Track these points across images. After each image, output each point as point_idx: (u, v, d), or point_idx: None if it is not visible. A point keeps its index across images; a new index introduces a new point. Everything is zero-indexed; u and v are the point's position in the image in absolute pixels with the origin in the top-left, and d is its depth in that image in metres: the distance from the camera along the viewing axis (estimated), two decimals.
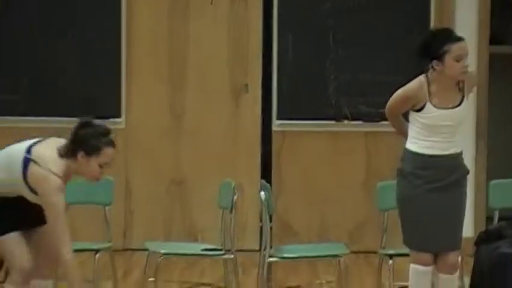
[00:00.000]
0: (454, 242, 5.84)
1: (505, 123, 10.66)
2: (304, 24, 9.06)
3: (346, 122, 9.03)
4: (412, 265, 5.82)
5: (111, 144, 5.46)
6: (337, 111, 9.03)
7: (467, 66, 5.71)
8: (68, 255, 5.32)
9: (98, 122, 5.49)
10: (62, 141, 5.47)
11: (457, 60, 5.64)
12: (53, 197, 5.37)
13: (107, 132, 5.48)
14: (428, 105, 5.68)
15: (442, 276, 5.83)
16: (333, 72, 9.04)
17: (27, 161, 5.40)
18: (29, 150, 5.45)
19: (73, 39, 8.98)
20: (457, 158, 5.80)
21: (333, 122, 9.07)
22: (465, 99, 5.77)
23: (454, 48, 5.64)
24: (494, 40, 9.24)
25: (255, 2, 9.05)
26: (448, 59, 5.62)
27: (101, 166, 5.45)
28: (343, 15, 9.01)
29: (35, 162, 5.38)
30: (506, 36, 10.44)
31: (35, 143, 5.49)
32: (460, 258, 6.04)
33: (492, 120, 9.32)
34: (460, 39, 5.71)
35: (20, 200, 5.50)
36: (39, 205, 5.52)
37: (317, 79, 9.06)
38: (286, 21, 9.04)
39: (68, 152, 5.42)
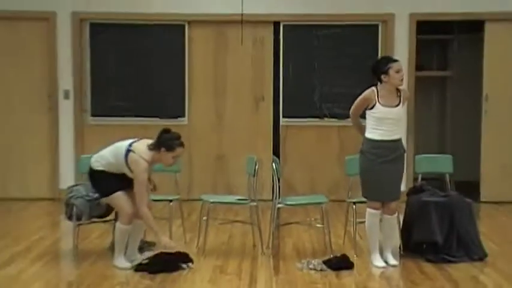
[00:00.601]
0: (395, 195, 5.84)
1: (426, 123, 10.68)
2: (299, 57, 9.06)
3: (326, 119, 9.05)
4: (367, 209, 5.85)
5: (182, 145, 5.65)
6: (320, 112, 9.07)
7: (402, 78, 5.76)
8: (144, 209, 5.50)
9: (173, 131, 5.68)
10: (150, 141, 5.64)
11: (397, 72, 5.72)
12: (140, 174, 5.53)
13: (179, 137, 5.66)
14: (377, 104, 5.69)
15: (386, 216, 5.85)
16: (317, 87, 9.07)
17: (128, 151, 5.58)
18: (130, 145, 5.63)
19: (156, 67, 9.10)
20: (397, 142, 5.78)
21: (317, 119, 9.09)
22: (401, 103, 5.76)
23: (394, 65, 5.71)
24: (418, 67, 9.29)
25: (268, 44, 9.09)
26: (392, 72, 5.68)
27: (174, 158, 5.64)
28: (324, 51, 9.03)
29: (133, 151, 5.56)
30: (427, 64, 10.46)
31: (134, 141, 5.67)
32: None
33: (418, 118, 9.39)
34: (396, 60, 5.78)
35: (123, 175, 5.68)
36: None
37: (307, 91, 9.08)
38: (288, 55, 9.07)
39: (154, 147, 5.59)
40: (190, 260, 5.72)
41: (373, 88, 5.79)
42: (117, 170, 5.66)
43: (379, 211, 5.84)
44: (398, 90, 5.78)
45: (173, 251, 5.69)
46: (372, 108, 5.73)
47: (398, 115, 5.77)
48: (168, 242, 5.69)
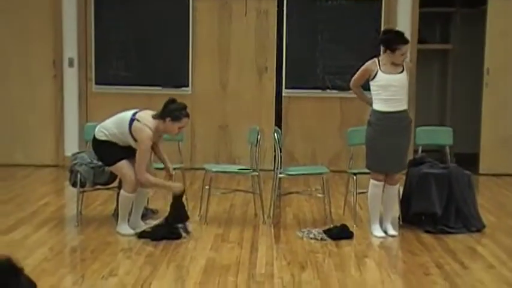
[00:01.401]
0: (399, 166, 5.85)
1: (427, 93, 10.67)
2: (303, 29, 8.99)
3: (328, 90, 9.00)
4: (371, 180, 5.84)
5: (187, 115, 5.63)
6: (322, 83, 9.01)
7: (406, 57, 5.72)
8: (143, 177, 5.50)
9: (179, 101, 5.66)
10: (153, 112, 5.60)
11: (402, 55, 5.68)
12: (144, 141, 5.51)
13: (185, 107, 5.64)
14: (379, 73, 5.65)
15: (388, 186, 5.84)
16: (320, 59, 9.00)
17: (132, 121, 5.56)
18: (134, 114, 5.61)
19: (160, 36, 9.04)
20: (403, 112, 5.73)
21: (320, 90, 9.04)
22: (405, 71, 5.71)
23: (403, 48, 5.63)
24: (420, 40, 9.24)
25: (272, 15, 9.00)
26: (398, 52, 5.63)
27: (179, 128, 5.62)
28: (327, 23, 8.97)
29: (137, 120, 5.54)
30: (429, 38, 10.39)
31: (138, 111, 5.65)
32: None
33: (419, 91, 9.37)
34: (407, 42, 5.65)
35: (129, 146, 5.64)
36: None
37: (310, 63, 9.01)
38: (292, 27, 8.98)
39: (159, 117, 5.56)
40: (187, 219, 5.71)
41: (375, 59, 5.76)
42: (120, 140, 5.64)
43: (382, 182, 5.83)
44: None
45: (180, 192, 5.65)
46: (374, 77, 5.69)
47: (402, 82, 5.69)
48: (177, 185, 5.72)
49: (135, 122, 5.55)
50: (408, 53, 5.80)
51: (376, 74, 5.67)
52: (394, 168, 5.82)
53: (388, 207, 5.93)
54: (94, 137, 5.76)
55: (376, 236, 5.78)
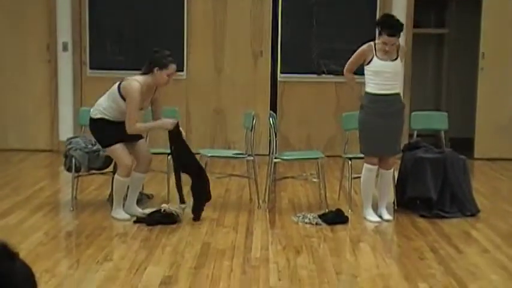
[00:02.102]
0: (392, 150, 5.83)
1: (423, 77, 10.66)
2: (298, 13, 8.95)
3: (323, 75, 8.97)
4: (365, 164, 5.84)
5: (173, 61, 5.58)
6: (318, 68, 8.98)
7: (389, 49, 5.61)
8: (133, 126, 5.45)
9: (163, 49, 5.64)
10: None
11: (384, 43, 5.60)
12: (132, 93, 5.43)
13: (169, 55, 5.58)
14: (375, 58, 5.64)
15: (383, 171, 5.85)
16: (315, 43, 8.97)
17: (120, 84, 5.54)
18: (120, 83, 5.59)
19: (155, 20, 9.00)
20: (396, 96, 5.74)
21: (315, 75, 9.01)
22: (399, 57, 5.70)
23: (386, 39, 5.57)
24: (416, 24, 9.22)
25: (267, 0, 8.99)
26: (381, 39, 5.61)
27: (168, 76, 5.56)
28: (322, 7, 8.93)
29: (124, 81, 5.52)
30: (424, 22, 10.38)
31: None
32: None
33: (414, 76, 9.36)
34: (393, 35, 5.57)
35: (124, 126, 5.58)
36: None
37: (305, 48, 8.98)
38: (287, 11, 8.93)
39: (147, 70, 5.53)
40: (183, 201, 5.70)
41: (371, 43, 5.74)
42: (116, 111, 5.56)
43: (376, 166, 5.83)
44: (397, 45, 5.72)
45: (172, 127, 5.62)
46: (369, 62, 5.68)
47: (396, 69, 5.71)
48: (168, 121, 5.67)
49: (123, 83, 5.53)
50: (399, 40, 5.72)
51: (371, 60, 5.67)
52: (387, 151, 5.81)
53: (383, 192, 5.93)
54: (90, 117, 5.73)
55: (370, 221, 5.79)
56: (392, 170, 5.93)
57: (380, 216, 5.84)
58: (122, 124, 5.55)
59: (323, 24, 8.95)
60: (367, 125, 5.77)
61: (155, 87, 5.65)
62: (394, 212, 6.11)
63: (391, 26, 5.61)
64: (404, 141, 8.19)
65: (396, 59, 5.69)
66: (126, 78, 5.56)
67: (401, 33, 5.73)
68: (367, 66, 5.71)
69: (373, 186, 5.89)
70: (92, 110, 5.74)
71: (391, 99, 5.71)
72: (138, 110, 5.53)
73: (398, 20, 5.71)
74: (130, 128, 5.49)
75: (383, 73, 5.65)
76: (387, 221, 5.81)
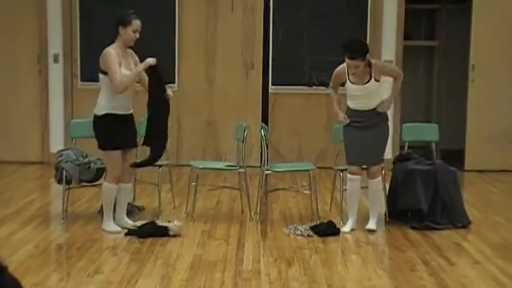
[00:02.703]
0: (372, 159, 5.82)
1: (413, 90, 10.68)
2: (289, 25, 8.97)
3: (314, 87, 8.99)
4: (347, 174, 5.91)
5: (136, 17, 5.60)
6: (309, 80, 9.01)
7: (355, 69, 5.62)
8: (117, 85, 5.42)
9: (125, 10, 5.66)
10: None
11: (348, 66, 5.67)
12: (107, 57, 5.47)
13: (132, 12, 5.61)
14: (347, 82, 5.76)
15: (370, 180, 5.87)
16: (306, 55, 9.00)
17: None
18: None
19: (146, 32, 8.98)
20: (373, 110, 5.74)
21: (306, 87, 9.04)
22: (372, 79, 5.66)
23: (347, 61, 5.62)
24: (406, 37, 9.23)
25: (258, 11, 8.99)
26: (346, 61, 5.66)
27: (134, 32, 5.57)
28: (313, 19, 8.95)
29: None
30: (415, 34, 10.42)
31: None
32: (383, 172, 6.12)
33: (404, 87, 9.35)
34: (351, 58, 5.56)
35: (129, 126, 5.57)
36: (135, 132, 5.66)
37: (297, 60, 9.00)
38: (278, 23, 8.97)
39: (114, 36, 5.56)
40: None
41: (344, 65, 5.79)
42: (112, 95, 5.50)
43: (358, 176, 5.86)
44: (370, 65, 5.69)
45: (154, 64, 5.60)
46: (344, 83, 5.82)
47: (368, 91, 5.72)
48: (148, 60, 5.60)
49: (100, 58, 5.53)
50: (368, 62, 5.65)
51: (345, 82, 5.81)
52: (365, 161, 5.85)
53: (371, 202, 5.96)
54: (94, 115, 5.62)
55: (343, 231, 5.78)
56: (378, 179, 5.91)
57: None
58: (125, 127, 5.53)
59: (314, 36, 8.99)
60: (345, 135, 5.90)
61: (127, 48, 5.64)
62: (386, 223, 6.12)
63: (352, 49, 5.60)
64: (395, 152, 8.27)
65: (369, 81, 5.70)
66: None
67: (367, 55, 5.63)
68: (344, 86, 5.86)
69: (356, 198, 5.90)
70: (95, 109, 5.64)
71: (366, 114, 5.78)
72: (118, 69, 5.46)
73: (362, 44, 5.72)
74: (117, 87, 5.43)
75: (355, 95, 5.77)
76: (369, 230, 5.80)
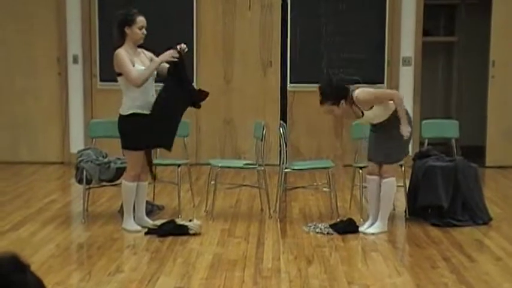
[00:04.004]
0: (380, 156, 5.70)
1: (432, 86, 10.66)
2: (307, 23, 8.98)
3: None
4: (366, 175, 5.90)
5: (140, 14, 5.57)
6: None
7: (330, 113, 5.63)
8: (135, 80, 5.43)
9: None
10: None
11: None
12: (118, 58, 5.47)
13: (133, 11, 5.59)
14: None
15: (381, 180, 5.73)
16: (324, 53, 9.01)
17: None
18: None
19: (164, 31, 9.02)
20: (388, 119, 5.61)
21: None
22: (364, 111, 5.53)
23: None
24: (425, 33, 9.22)
25: (276, 9, 9.00)
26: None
27: (140, 29, 5.55)
28: (331, 16, 8.95)
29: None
30: (434, 30, 10.39)
31: None
32: (403, 168, 6.10)
33: (424, 84, 9.35)
34: (321, 103, 5.53)
35: (153, 132, 5.55)
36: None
37: (315, 57, 9.00)
38: (296, 21, 8.98)
39: (121, 38, 5.54)
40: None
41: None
42: (134, 92, 5.51)
43: (374, 177, 5.77)
44: (355, 106, 5.56)
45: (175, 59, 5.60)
46: None
47: (370, 118, 5.63)
48: (166, 53, 5.61)
49: (114, 63, 5.54)
50: (336, 110, 5.56)
51: None
52: (373, 157, 5.77)
53: (380, 203, 5.77)
54: (120, 114, 5.60)
55: (361, 231, 5.73)
56: (389, 179, 5.71)
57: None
58: (149, 127, 5.51)
59: (332, 33, 8.97)
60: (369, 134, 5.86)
61: (136, 47, 5.63)
62: (406, 220, 6.11)
63: (320, 92, 5.55)
64: (415, 149, 8.23)
65: (363, 114, 5.59)
66: None
67: (356, 86, 5.57)
68: None
69: (374, 197, 5.79)
70: (120, 109, 5.63)
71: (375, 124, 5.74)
72: (131, 65, 5.47)
73: (335, 88, 5.52)
74: (136, 81, 5.42)
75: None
76: (364, 233, 5.68)
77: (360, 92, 5.53)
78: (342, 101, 5.49)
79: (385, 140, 5.69)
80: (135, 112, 5.52)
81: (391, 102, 5.55)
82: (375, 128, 5.75)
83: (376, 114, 5.60)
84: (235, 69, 9.13)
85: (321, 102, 5.54)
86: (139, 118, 5.52)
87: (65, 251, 5.21)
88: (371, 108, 5.55)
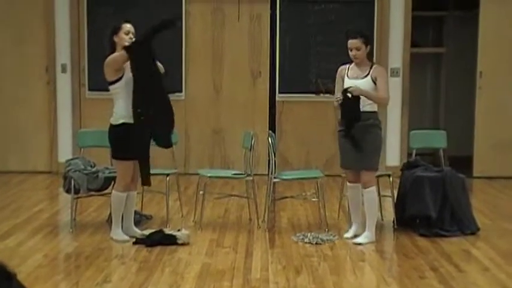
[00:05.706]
0: (357, 164, 5.68)
1: (420, 97, 10.70)
2: (296, 32, 9.00)
3: (321, 95, 8.99)
4: (347, 183, 5.92)
5: (125, 21, 5.68)
6: (316, 88, 9.02)
7: (355, 55, 5.67)
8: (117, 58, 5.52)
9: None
10: None
11: (350, 50, 5.69)
12: (108, 60, 5.55)
13: (122, 21, 5.69)
14: (345, 78, 5.71)
15: (363, 190, 5.73)
16: (314, 63, 9.02)
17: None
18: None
19: (153, 41, 9.02)
20: (366, 113, 5.60)
21: (313, 95, 9.05)
22: (370, 76, 5.61)
23: (348, 43, 5.69)
24: (414, 44, 9.25)
25: (265, 19, 9.03)
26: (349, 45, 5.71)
27: (126, 34, 5.60)
28: (320, 27, 8.99)
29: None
30: (423, 41, 10.43)
31: None
32: (391, 179, 6.13)
33: (412, 94, 9.38)
34: (351, 37, 5.67)
35: (143, 141, 5.56)
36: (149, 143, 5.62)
37: (304, 67, 9.02)
38: (285, 31, 9.00)
39: (111, 48, 5.61)
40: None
41: (347, 64, 5.81)
42: (125, 99, 5.51)
43: (353, 184, 5.81)
44: (372, 65, 5.71)
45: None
46: (343, 83, 5.73)
47: (363, 87, 5.60)
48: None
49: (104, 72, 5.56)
50: (361, 51, 5.66)
51: (344, 80, 5.73)
52: (352, 165, 5.76)
53: (366, 213, 5.78)
54: (111, 124, 5.59)
55: (345, 237, 5.80)
56: (370, 189, 5.70)
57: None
58: (140, 138, 5.50)
59: (321, 43, 9.00)
60: (339, 139, 5.85)
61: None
62: (394, 231, 6.11)
63: (354, 30, 5.82)
64: (403, 160, 8.25)
65: (366, 76, 5.65)
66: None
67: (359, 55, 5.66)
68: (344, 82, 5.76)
69: (355, 204, 5.85)
70: (111, 119, 5.61)
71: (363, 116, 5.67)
72: (121, 59, 5.52)
73: (364, 30, 5.93)
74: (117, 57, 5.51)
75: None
76: (354, 244, 5.68)
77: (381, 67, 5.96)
78: (368, 47, 5.71)
79: (368, 145, 5.63)
80: (125, 122, 5.50)
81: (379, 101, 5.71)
82: (345, 131, 5.65)
83: (370, 90, 5.61)
84: (224, 79, 9.14)
85: (354, 37, 5.65)
86: (131, 128, 5.50)
87: (52, 261, 5.18)
88: (373, 82, 5.62)
